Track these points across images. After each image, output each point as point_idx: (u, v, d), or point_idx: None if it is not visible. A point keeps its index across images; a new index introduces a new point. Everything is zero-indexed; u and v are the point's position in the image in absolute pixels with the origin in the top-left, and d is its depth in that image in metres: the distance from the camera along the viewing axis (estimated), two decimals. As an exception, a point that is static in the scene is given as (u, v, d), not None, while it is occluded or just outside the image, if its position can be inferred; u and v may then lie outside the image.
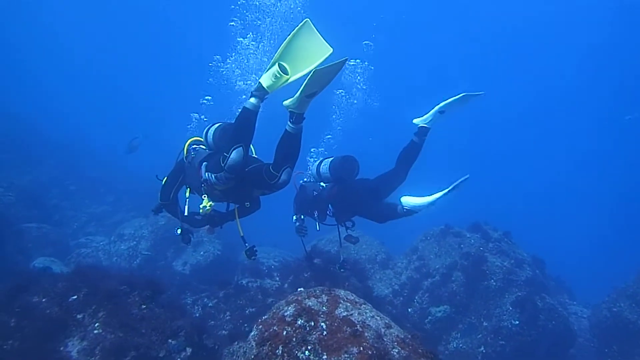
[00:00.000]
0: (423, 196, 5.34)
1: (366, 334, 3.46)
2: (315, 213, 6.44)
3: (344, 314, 3.70)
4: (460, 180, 5.11)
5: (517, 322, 8.84)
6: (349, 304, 3.88)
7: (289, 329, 3.53)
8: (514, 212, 25.29)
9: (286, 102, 3.90)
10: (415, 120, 5.97)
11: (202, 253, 12.37)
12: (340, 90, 8.40)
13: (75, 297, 4.68)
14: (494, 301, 9.24)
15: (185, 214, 5.44)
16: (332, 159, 5.91)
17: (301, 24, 3.77)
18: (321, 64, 3.78)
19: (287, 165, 4.31)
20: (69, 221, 14.67)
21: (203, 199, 4.94)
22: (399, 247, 12.26)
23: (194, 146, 5.39)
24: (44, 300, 4.60)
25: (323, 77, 3.58)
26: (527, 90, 42.43)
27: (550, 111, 43.97)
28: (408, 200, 5.43)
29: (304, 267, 7.83)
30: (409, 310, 9.75)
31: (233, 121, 4.43)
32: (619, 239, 30.94)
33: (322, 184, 6.37)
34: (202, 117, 6.88)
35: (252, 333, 3.79)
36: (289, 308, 3.82)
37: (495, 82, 40.38)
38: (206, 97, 7.50)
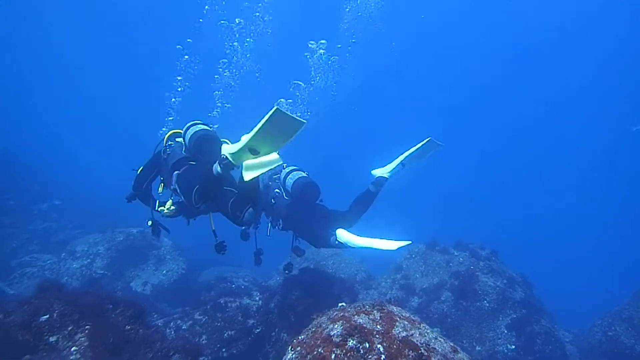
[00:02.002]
0: (359, 235, 5.30)
1: (433, 360, 2.77)
2: (270, 218, 6.48)
3: (404, 334, 2.88)
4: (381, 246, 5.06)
5: (514, 347, 8.12)
6: (406, 322, 3.08)
7: (339, 352, 2.77)
8: (493, 230, 24.69)
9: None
10: (373, 171, 6.09)
11: (164, 272, 11.40)
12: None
13: (46, 316, 3.75)
14: (487, 323, 8.51)
15: (157, 207, 5.45)
16: (298, 177, 5.90)
17: (271, 111, 3.56)
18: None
19: (249, 206, 4.54)
20: (7, 239, 13.20)
21: (166, 202, 5.15)
22: (378, 264, 11.52)
23: (170, 143, 5.39)
24: (5, 321, 3.67)
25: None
26: (521, 105, 42.52)
27: (544, 125, 43.92)
28: (342, 235, 5.38)
29: (290, 285, 6.90)
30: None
31: (209, 129, 5.00)
32: (595, 260, 30.97)
33: (277, 190, 6.32)
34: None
35: (289, 356, 2.98)
36: (336, 326, 2.98)
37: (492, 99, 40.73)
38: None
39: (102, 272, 10.80)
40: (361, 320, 2.99)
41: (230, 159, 3.98)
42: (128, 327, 3.99)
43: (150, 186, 5.68)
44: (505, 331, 8.31)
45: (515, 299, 8.84)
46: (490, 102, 42.40)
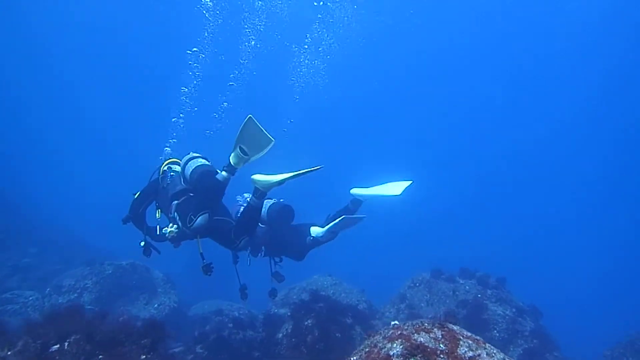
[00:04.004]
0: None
1: (504, 383, 2.47)
2: (249, 248, 6.37)
3: (470, 355, 2.60)
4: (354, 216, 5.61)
5: (528, 379, 7.79)
6: (471, 342, 2.81)
7: (402, 372, 2.45)
8: (495, 258, 24.19)
9: (256, 178, 4.70)
10: (352, 191, 6.22)
11: (156, 306, 10.89)
12: None
13: (57, 346, 3.38)
14: (498, 355, 8.17)
15: (158, 233, 5.63)
16: (270, 204, 5.96)
17: (245, 119, 4.48)
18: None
19: (247, 235, 5.03)
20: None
21: (169, 225, 5.21)
22: (379, 294, 11.21)
23: (171, 172, 5.65)
24: (9, 353, 3.30)
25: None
26: (517, 120, 42.14)
27: (541, 140, 42.96)
28: (315, 229, 5.78)
29: (303, 314, 6.50)
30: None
31: (209, 164, 5.27)
32: (595, 282, 30.77)
33: None
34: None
35: None
36: (395, 345, 2.69)
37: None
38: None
39: (90, 307, 10.21)
40: (422, 339, 2.70)
41: (231, 162, 4.69)
42: (143, 357, 3.59)
43: (145, 211, 5.88)
44: (518, 362, 7.99)
45: (526, 329, 8.56)
46: (485, 117, 42.11)
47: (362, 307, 10.13)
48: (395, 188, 5.81)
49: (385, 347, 2.73)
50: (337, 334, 6.02)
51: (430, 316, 9.14)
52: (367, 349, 2.89)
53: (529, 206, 43.43)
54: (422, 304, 9.50)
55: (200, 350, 6.58)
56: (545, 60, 34.54)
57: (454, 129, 43.75)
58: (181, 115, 8.48)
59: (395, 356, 2.58)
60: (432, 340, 2.71)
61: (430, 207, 39.01)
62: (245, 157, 4.63)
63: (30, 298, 11.04)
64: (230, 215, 5.47)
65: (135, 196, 5.85)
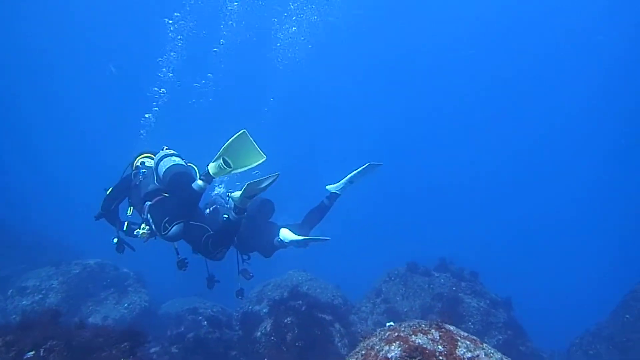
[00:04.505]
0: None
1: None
2: None
3: (469, 355, 2.56)
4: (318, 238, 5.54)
5: (502, 369, 7.91)
6: (468, 342, 2.76)
7: (402, 376, 2.39)
8: (472, 252, 24.32)
9: (233, 195, 4.71)
10: (327, 187, 6.31)
11: (126, 305, 10.60)
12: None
13: (32, 352, 3.19)
14: (473, 346, 8.28)
15: (125, 229, 5.56)
16: None
17: (238, 133, 4.45)
18: (254, 168, 4.65)
19: (223, 247, 5.06)
20: None
21: (141, 226, 5.14)
22: (354, 289, 11.21)
23: (143, 169, 5.43)
24: None
25: (255, 188, 4.43)
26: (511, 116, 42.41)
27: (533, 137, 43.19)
28: (284, 233, 5.73)
29: (282, 312, 6.39)
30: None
31: (184, 163, 5.13)
32: (567, 275, 31.42)
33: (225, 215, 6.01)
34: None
35: None
36: (392, 348, 2.61)
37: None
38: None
39: (57, 307, 9.85)
40: (420, 341, 2.65)
41: (210, 170, 4.57)
42: (123, 363, 3.43)
43: (118, 207, 5.74)
44: (492, 353, 8.10)
45: (499, 321, 8.69)
46: (477, 112, 42.45)
47: (337, 302, 10.11)
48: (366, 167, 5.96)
49: (382, 349, 2.67)
50: (317, 331, 5.97)
51: (405, 309, 9.22)
52: (363, 352, 2.82)
53: (509, 201, 43.84)
54: (398, 298, 9.52)
55: (176, 351, 6.44)
56: (545, 60, 35.21)
57: (436, 120, 43.82)
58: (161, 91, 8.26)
59: (393, 359, 2.52)
60: (430, 342, 2.66)
61: (404, 200, 39.26)
62: (227, 169, 4.54)
63: (-9, 300, 10.57)
64: (205, 219, 5.34)
65: (108, 192, 5.68)
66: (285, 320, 6.17)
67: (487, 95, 40.49)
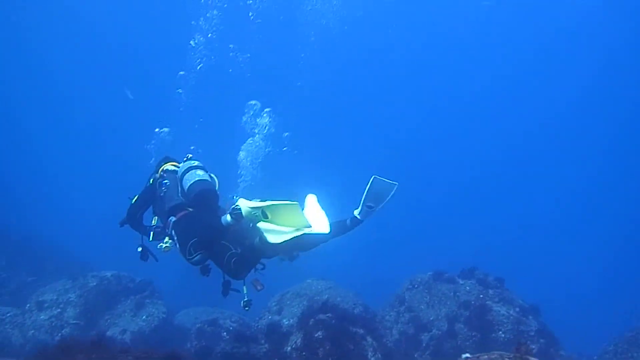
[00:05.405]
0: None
1: None
2: None
3: None
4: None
5: (538, 380, 7.62)
6: None
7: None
8: (492, 257, 23.71)
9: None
10: (355, 211, 5.48)
11: (144, 317, 10.48)
12: None
13: None
14: (505, 357, 8.00)
15: (151, 239, 5.36)
16: None
17: (291, 202, 4.24)
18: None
19: (250, 268, 4.72)
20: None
21: (165, 240, 4.94)
22: (374, 297, 11.00)
23: (166, 179, 5.19)
24: None
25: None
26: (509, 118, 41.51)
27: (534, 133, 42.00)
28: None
29: (312, 326, 6.15)
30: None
31: (209, 179, 4.89)
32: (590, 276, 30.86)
33: None
34: None
35: None
36: None
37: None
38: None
39: (74, 321, 9.83)
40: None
41: (243, 212, 4.28)
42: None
43: (142, 216, 5.63)
44: (526, 363, 7.82)
45: (531, 329, 8.42)
46: (476, 112, 41.95)
47: (358, 311, 9.89)
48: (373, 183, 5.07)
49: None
50: (350, 346, 5.74)
51: (431, 318, 8.96)
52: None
53: (523, 204, 42.85)
54: (422, 306, 9.29)
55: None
56: (544, 59, 34.91)
57: (449, 128, 43.31)
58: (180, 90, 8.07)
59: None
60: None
61: (422, 207, 38.82)
62: (262, 219, 4.35)
63: (8, 315, 10.43)
64: (229, 233, 4.89)
65: (133, 201, 5.56)
66: (316, 335, 5.94)
67: (506, 96, 40.05)
